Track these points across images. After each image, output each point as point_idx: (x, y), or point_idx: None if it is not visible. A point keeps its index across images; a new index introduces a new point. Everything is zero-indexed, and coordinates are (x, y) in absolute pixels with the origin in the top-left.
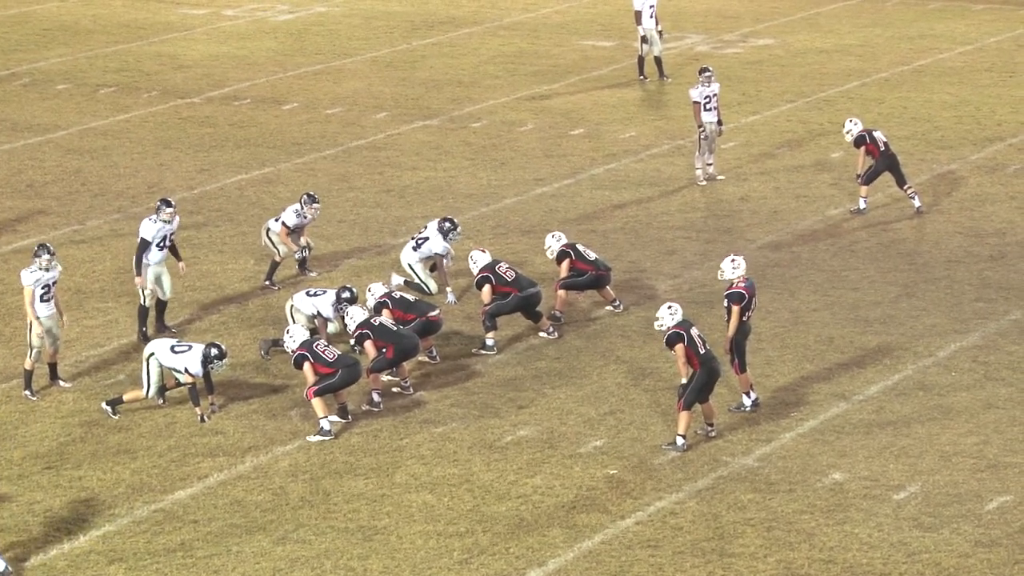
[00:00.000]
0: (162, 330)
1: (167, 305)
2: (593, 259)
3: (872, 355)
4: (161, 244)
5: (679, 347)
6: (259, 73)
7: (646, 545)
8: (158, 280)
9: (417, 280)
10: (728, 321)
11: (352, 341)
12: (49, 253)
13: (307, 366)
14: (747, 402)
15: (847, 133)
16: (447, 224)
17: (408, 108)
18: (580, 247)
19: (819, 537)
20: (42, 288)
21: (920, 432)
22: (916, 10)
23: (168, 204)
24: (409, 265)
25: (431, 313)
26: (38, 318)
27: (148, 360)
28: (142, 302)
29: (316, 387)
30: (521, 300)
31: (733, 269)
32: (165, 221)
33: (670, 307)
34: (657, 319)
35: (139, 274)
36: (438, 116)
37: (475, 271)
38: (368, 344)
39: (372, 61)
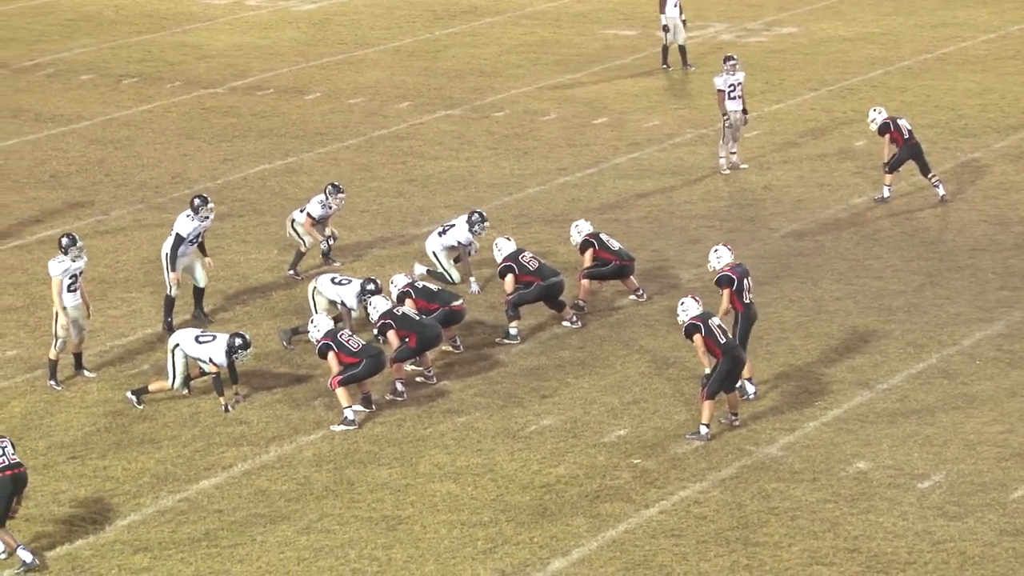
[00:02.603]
0: (200, 318)
1: (204, 292)
2: (616, 249)
3: (896, 344)
4: (193, 240)
5: (697, 337)
6: (282, 63)
7: (670, 534)
8: (188, 269)
9: (440, 269)
10: (740, 308)
11: (375, 331)
12: (76, 243)
13: (331, 355)
14: (750, 389)
15: (871, 122)
16: (475, 216)
17: (431, 98)
18: (603, 236)
19: (843, 526)
20: (69, 278)
21: (944, 421)
22: None
23: (206, 202)
24: (433, 253)
25: (454, 303)
26: (64, 308)
27: (173, 351)
28: (169, 292)
29: (340, 377)
30: (544, 289)
31: (718, 259)
32: (204, 218)
33: (683, 303)
34: (678, 314)
35: (173, 269)
36: (460, 106)
37: (499, 259)
38: (391, 334)
39: (394, 51)
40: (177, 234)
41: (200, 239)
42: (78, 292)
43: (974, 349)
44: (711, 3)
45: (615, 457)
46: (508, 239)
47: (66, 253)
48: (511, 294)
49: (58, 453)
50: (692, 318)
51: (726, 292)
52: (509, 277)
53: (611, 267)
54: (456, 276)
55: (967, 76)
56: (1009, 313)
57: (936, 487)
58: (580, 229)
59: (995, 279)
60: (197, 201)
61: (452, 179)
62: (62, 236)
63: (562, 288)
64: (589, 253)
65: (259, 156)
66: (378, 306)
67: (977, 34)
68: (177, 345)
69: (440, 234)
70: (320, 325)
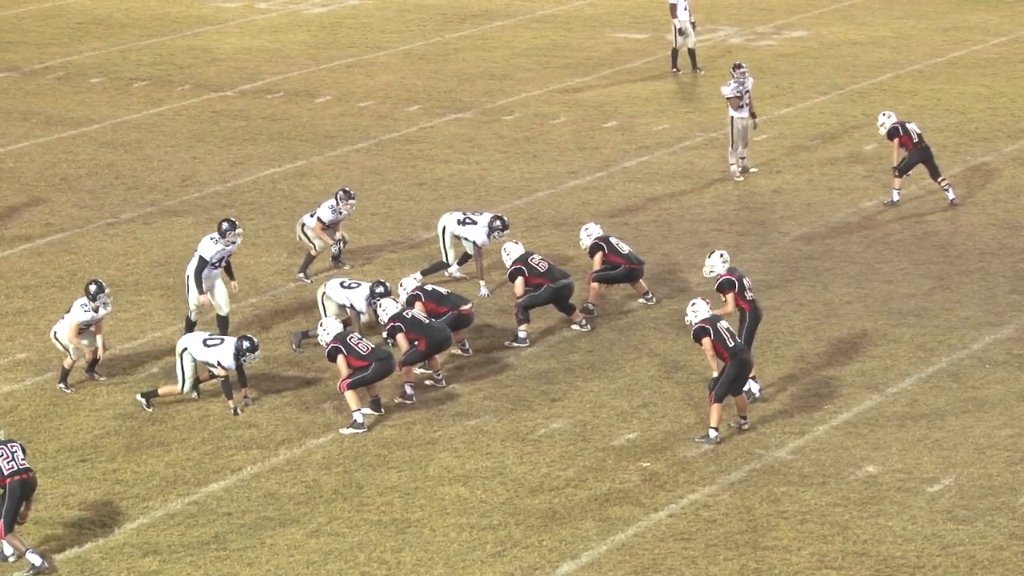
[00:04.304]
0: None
1: (228, 320)
2: (626, 252)
3: (906, 347)
4: (217, 264)
5: (706, 341)
6: (292, 66)
7: (679, 538)
8: (209, 292)
9: (441, 247)
10: (747, 309)
11: (384, 334)
12: (103, 290)
13: (341, 359)
14: (754, 388)
15: (880, 126)
16: (497, 222)
17: (441, 101)
18: (613, 240)
19: (853, 530)
20: (84, 325)
21: (954, 425)
22: (950, 1)
23: (235, 227)
24: (443, 228)
25: (463, 306)
26: (78, 346)
27: (181, 355)
28: (190, 316)
29: (349, 380)
30: (554, 291)
31: (723, 263)
32: (230, 243)
33: (693, 304)
34: (687, 316)
35: (201, 292)
36: (471, 109)
37: (508, 263)
38: (400, 337)
39: (405, 54)
40: (200, 257)
41: (224, 262)
42: (91, 335)
43: (984, 353)
44: (721, 7)
45: (624, 460)
46: (516, 243)
47: (93, 300)
48: (521, 297)
49: (67, 456)
50: (701, 321)
51: (730, 296)
52: (519, 280)
53: (621, 271)
54: (452, 257)
55: (977, 80)
56: (1018, 317)
57: (945, 491)
58: (590, 232)
59: (1005, 283)
60: (225, 225)
61: (462, 182)
62: (90, 283)
63: (571, 290)
64: (599, 257)
65: (269, 159)
66: (388, 309)
67: (988, 38)
68: (185, 349)
69: (460, 222)
70: (329, 328)
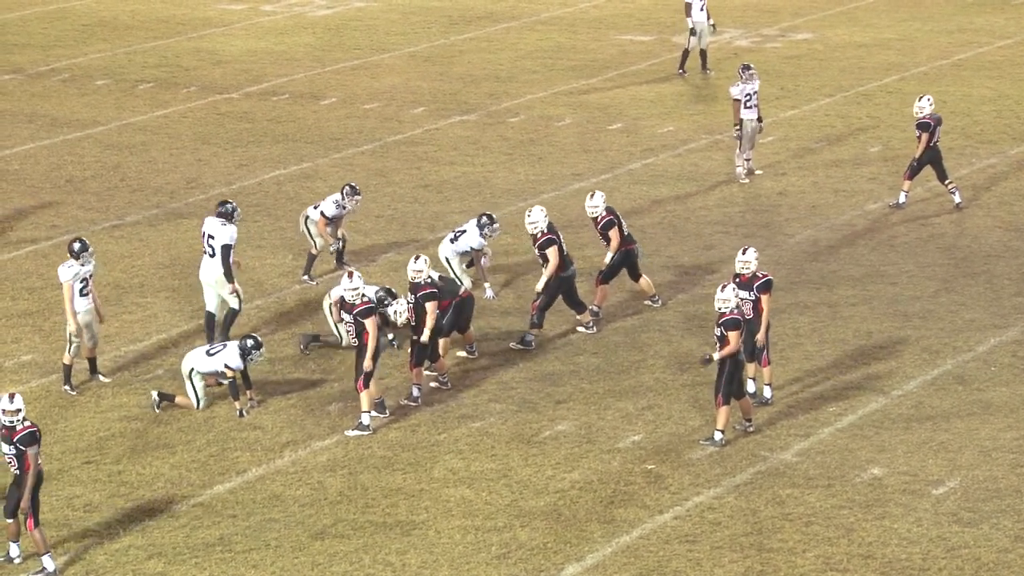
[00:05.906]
0: (213, 340)
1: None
2: (627, 233)
3: (911, 350)
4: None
5: (735, 335)
6: (297, 68)
7: (684, 540)
8: (210, 286)
9: (452, 275)
10: (761, 312)
11: (412, 297)
12: (86, 247)
13: (372, 320)
14: (767, 392)
15: (919, 110)
16: (484, 219)
17: (446, 103)
18: (619, 215)
19: (858, 532)
20: (80, 282)
21: (959, 427)
22: (955, 4)
23: (235, 207)
24: (446, 259)
25: (460, 291)
26: (76, 314)
27: (190, 377)
28: (237, 307)
29: (364, 379)
30: (565, 280)
31: (756, 259)
32: (236, 222)
33: (724, 289)
34: (722, 300)
35: (230, 281)
36: (476, 111)
37: (536, 229)
38: (431, 305)
39: (410, 56)
40: (225, 245)
41: None
42: (90, 296)
43: (989, 355)
44: (727, 9)
45: (629, 463)
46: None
47: (76, 258)
48: (537, 299)
49: (72, 458)
50: (735, 312)
51: (767, 297)
52: (553, 248)
53: (620, 256)
54: (468, 282)
55: (983, 82)
56: None
57: (951, 493)
58: (603, 198)
59: (1010, 285)
60: (229, 207)
61: (467, 184)
62: (72, 241)
63: (575, 276)
64: (615, 231)
65: (274, 161)
66: (401, 306)
67: (993, 40)
68: (192, 369)
69: (452, 240)
70: (368, 290)
